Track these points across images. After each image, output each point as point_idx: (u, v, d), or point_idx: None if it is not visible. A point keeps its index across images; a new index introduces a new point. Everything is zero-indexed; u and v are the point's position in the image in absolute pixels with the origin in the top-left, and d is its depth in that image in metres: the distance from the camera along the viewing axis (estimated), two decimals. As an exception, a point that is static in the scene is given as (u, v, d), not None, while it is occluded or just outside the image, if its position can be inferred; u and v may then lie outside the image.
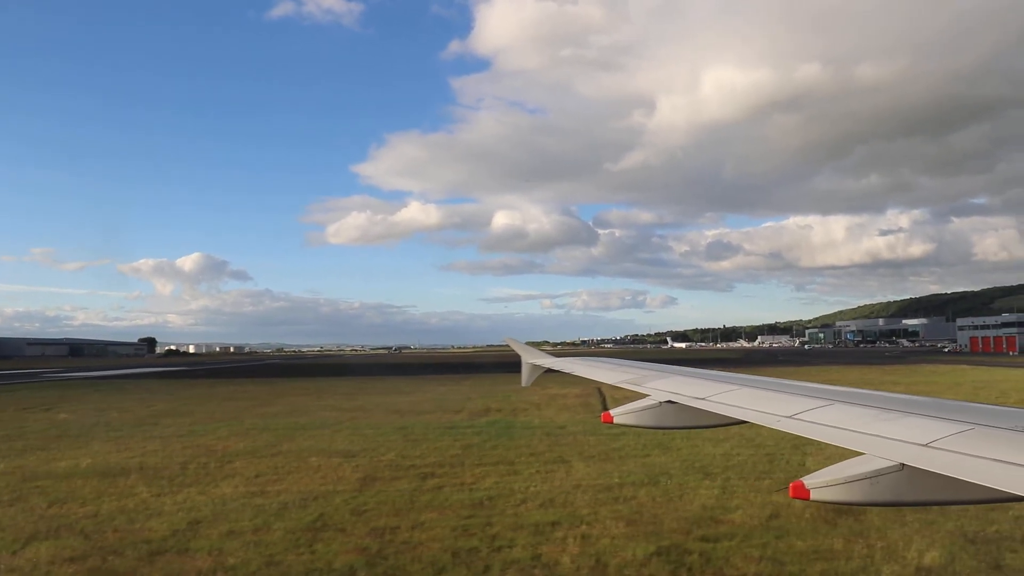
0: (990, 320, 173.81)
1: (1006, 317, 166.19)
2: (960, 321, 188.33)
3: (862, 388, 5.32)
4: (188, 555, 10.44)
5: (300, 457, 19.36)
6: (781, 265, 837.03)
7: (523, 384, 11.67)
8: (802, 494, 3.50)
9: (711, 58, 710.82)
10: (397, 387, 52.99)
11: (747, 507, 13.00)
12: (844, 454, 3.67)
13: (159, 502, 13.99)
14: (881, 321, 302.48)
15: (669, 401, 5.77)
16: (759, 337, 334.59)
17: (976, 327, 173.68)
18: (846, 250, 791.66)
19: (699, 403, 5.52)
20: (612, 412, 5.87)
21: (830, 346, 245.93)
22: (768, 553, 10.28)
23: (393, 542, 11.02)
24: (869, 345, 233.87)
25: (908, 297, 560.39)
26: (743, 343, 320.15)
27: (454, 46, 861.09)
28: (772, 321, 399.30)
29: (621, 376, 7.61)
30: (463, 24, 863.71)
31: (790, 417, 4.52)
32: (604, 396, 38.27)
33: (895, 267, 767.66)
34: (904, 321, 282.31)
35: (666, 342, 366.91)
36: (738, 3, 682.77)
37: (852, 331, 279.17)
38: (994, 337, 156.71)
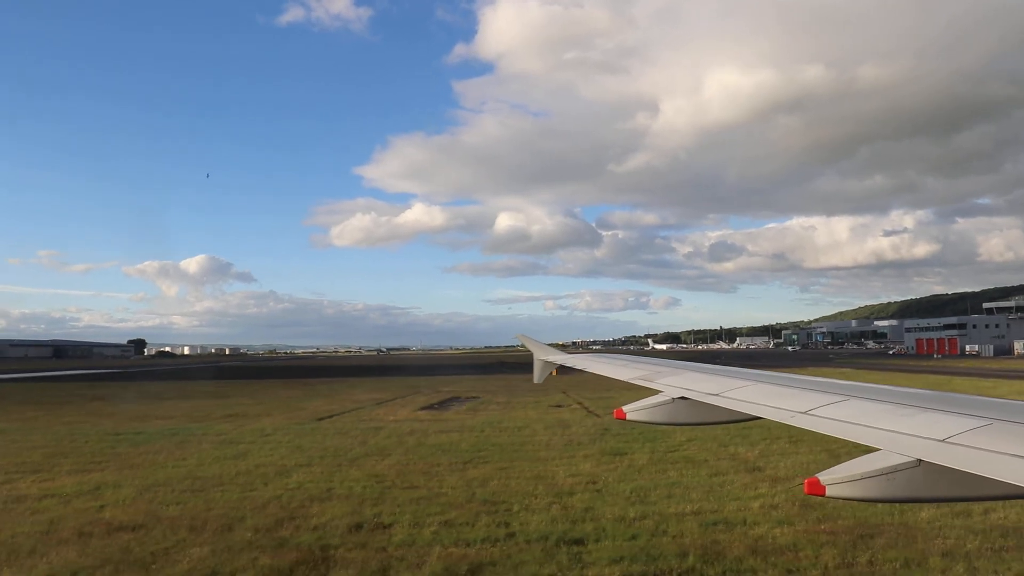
0: (934, 322, 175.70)
1: (948, 319, 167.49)
2: (907, 323, 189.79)
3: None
4: None
5: None
6: (785, 266, 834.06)
7: (535, 380, 11.47)
8: (817, 490, 3.42)
9: (714, 60, 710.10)
10: (250, 392, 54.37)
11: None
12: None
13: None
14: (854, 322, 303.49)
15: (682, 397, 5.72)
16: (738, 339, 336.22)
17: (922, 329, 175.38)
18: (850, 251, 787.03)
19: (712, 399, 5.46)
20: (625, 408, 5.79)
21: (799, 348, 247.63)
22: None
23: None
24: (838, 346, 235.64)
25: (911, 298, 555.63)
26: (722, 344, 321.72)
27: (459, 50, 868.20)
28: (774, 322, 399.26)
29: (633, 372, 7.61)
30: (468, 28, 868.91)
31: (804, 413, 4.47)
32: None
33: (899, 268, 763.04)
34: (875, 323, 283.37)
35: (647, 343, 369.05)
36: (740, 6, 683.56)
37: (822, 333, 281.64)
38: (937, 339, 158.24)
